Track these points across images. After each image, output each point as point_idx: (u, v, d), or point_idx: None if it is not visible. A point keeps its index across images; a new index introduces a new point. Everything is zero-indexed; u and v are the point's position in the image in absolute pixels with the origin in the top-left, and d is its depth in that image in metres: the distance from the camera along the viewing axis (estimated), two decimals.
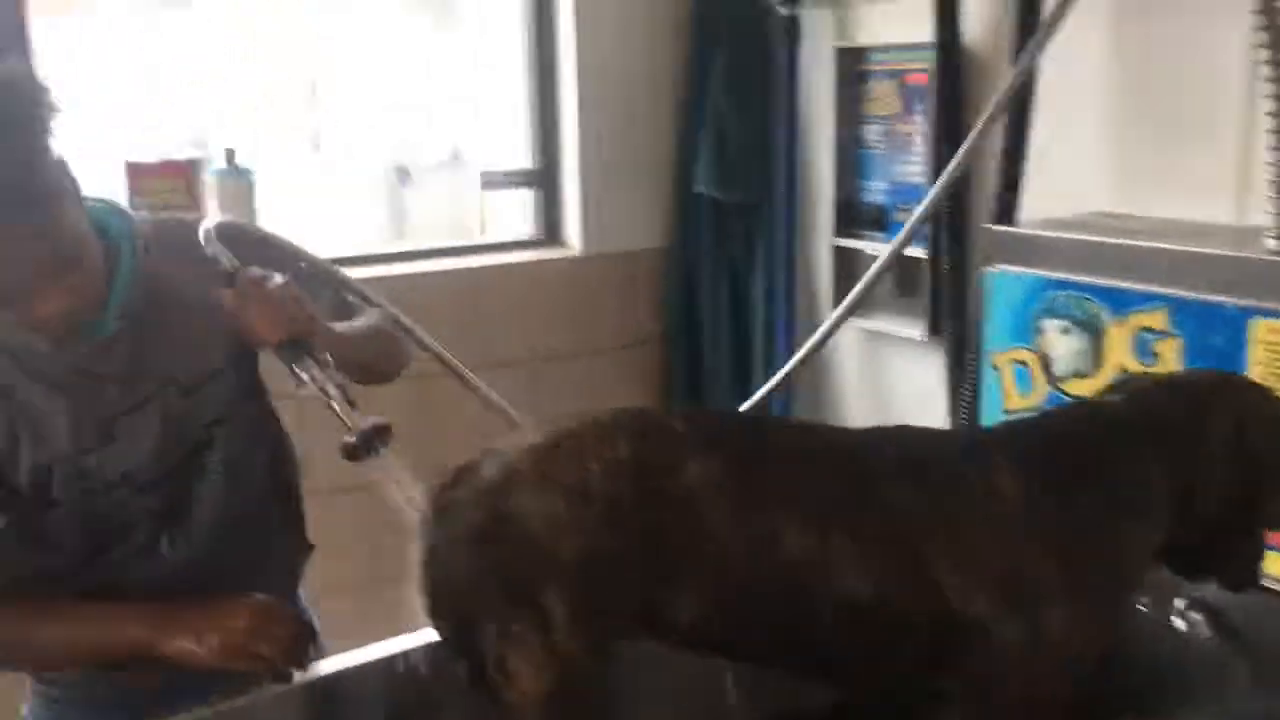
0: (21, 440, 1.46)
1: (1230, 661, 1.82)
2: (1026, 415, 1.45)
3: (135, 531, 1.55)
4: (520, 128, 3.16)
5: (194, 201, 2.57)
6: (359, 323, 1.73)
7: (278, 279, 1.51)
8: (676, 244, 3.14)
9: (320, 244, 2.41)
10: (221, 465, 1.61)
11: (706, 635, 1.33)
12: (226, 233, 1.58)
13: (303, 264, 1.71)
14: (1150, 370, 1.91)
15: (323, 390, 1.48)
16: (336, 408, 1.49)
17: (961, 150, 2.16)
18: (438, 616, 1.35)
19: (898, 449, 1.40)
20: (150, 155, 2.57)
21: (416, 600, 1.38)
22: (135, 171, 2.53)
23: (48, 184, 1.36)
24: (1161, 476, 1.38)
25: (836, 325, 2.42)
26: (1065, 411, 1.45)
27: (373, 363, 1.74)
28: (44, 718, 1.64)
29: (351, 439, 1.47)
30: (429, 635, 1.60)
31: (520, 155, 3.17)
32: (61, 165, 1.39)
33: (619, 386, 3.11)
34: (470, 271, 3.00)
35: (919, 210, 2.26)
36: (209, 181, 2.62)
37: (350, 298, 1.80)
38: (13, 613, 1.49)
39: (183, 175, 2.55)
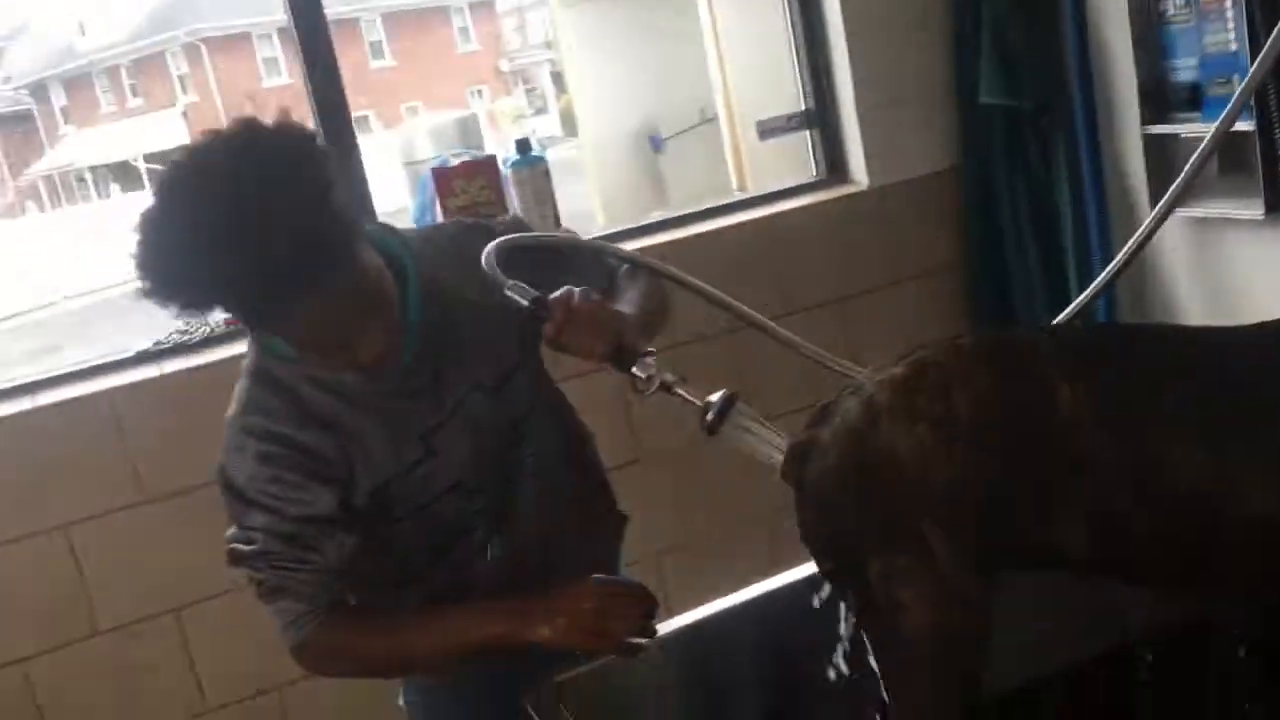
0: (356, 466, 1.52)
1: None
2: None
3: (473, 532, 1.63)
4: (786, 71, 3.13)
5: (499, 195, 2.71)
6: (632, 292, 1.70)
7: (577, 296, 1.50)
8: (970, 162, 3.02)
9: (584, 216, 2.49)
10: (534, 457, 1.67)
11: (1096, 565, 1.28)
12: (503, 255, 1.56)
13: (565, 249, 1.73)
14: None
15: (664, 385, 1.48)
16: (684, 394, 1.48)
17: None
18: (819, 554, 1.37)
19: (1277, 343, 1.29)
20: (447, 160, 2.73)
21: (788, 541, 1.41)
22: (442, 176, 2.69)
23: (344, 230, 1.38)
24: None
25: (1161, 220, 2.25)
26: None
27: (659, 324, 1.74)
28: (419, 702, 1.78)
29: (711, 415, 1.46)
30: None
31: (788, 100, 3.14)
32: (347, 207, 1.40)
33: (928, 316, 3.04)
34: (757, 222, 3.00)
35: (1246, 80, 2.07)
36: (506, 174, 2.75)
37: (617, 262, 1.77)
38: (384, 626, 1.60)
39: (484, 172, 2.68)
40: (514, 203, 2.73)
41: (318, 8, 2.49)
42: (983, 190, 3.01)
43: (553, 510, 1.69)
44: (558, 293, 1.51)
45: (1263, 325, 1.36)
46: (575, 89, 7.65)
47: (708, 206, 3.10)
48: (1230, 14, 2.39)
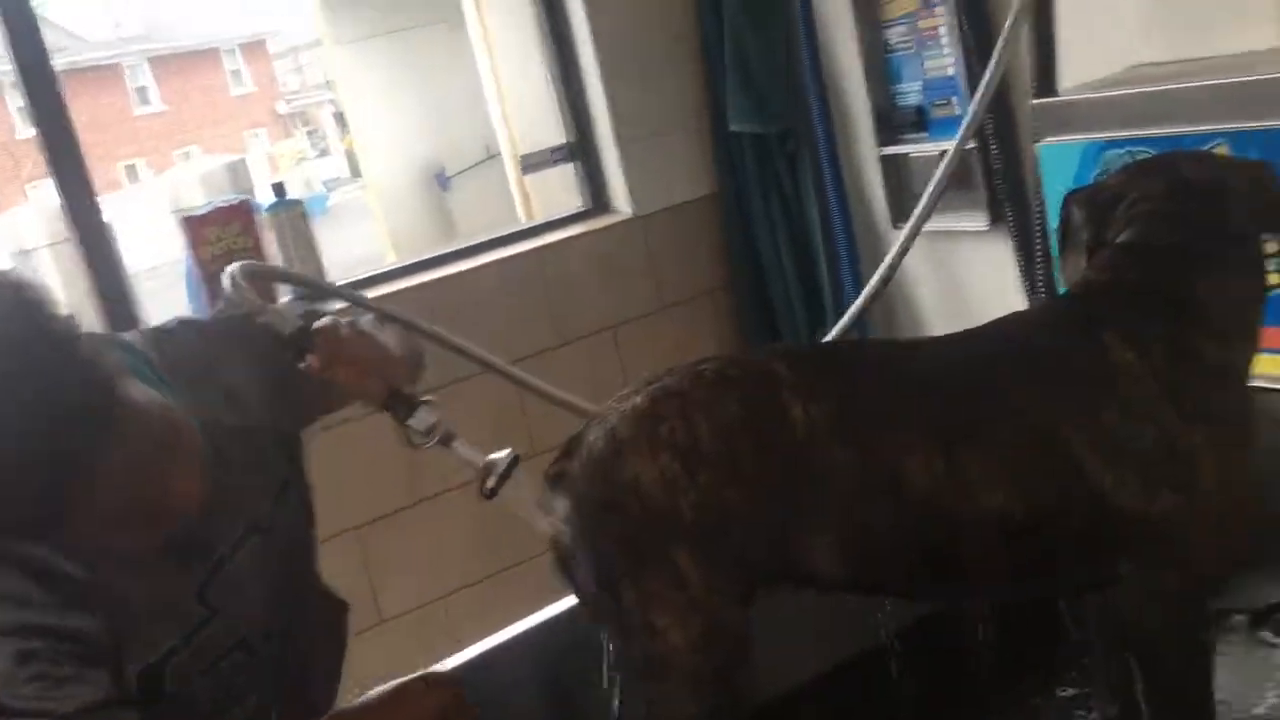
0: (126, 642, 1.25)
1: None
2: (1090, 275, 1.42)
3: (246, 699, 1.39)
4: (548, 105, 3.18)
5: (256, 241, 2.64)
6: (388, 338, 1.54)
7: (344, 327, 1.36)
8: (726, 188, 3.14)
9: (373, 258, 2.47)
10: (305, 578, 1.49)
11: (847, 578, 1.34)
12: (249, 275, 1.45)
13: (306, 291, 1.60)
14: None
15: (443, 440, 1.39)
16: (464, 452, 1.40)
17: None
18: (576, 586, 1.39)
19: (1004, 347, 1.38)
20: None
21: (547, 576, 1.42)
22: (191, 224, 2.60)
23: (104, 380, 1.13)
24: (1237, 286, 1.38)
25: (912, 238, 2.39)
26: (1123, 257, 1.41)
27: (419, 373, 1.59)
28: None
29: (492, 481, 1.39)
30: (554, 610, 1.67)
31: (553, 132, 3.19)
32: (97, 351, 1.16)
33: (696, 339, 3.13)
34: (524, 256, 3.03)
35: (973, 106, 2.24)
36: (262, 219, 2.68)
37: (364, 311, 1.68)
38: None
39: (238, 217, 2.61)
40: (273, 248, 2.67)
41: (43, 55, 2.37)
42: (740, 215, 3.12)
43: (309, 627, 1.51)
44: (323, 321, 1.36)
45: (971, 332, 1.46)
46: (357, 129, 7.53)
47: (479, 241, 3.10)
48: (946, 40, 2.57)
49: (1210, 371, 1.34)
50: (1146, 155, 1.91)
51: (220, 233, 2.57)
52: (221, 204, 2.65)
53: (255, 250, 2.63)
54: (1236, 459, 1.33)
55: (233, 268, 1.46)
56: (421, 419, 1.38)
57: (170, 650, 1.28)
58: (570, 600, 1.70)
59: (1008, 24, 2.11)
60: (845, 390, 1.32)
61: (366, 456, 2.65)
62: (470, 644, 1.80)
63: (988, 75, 2.20)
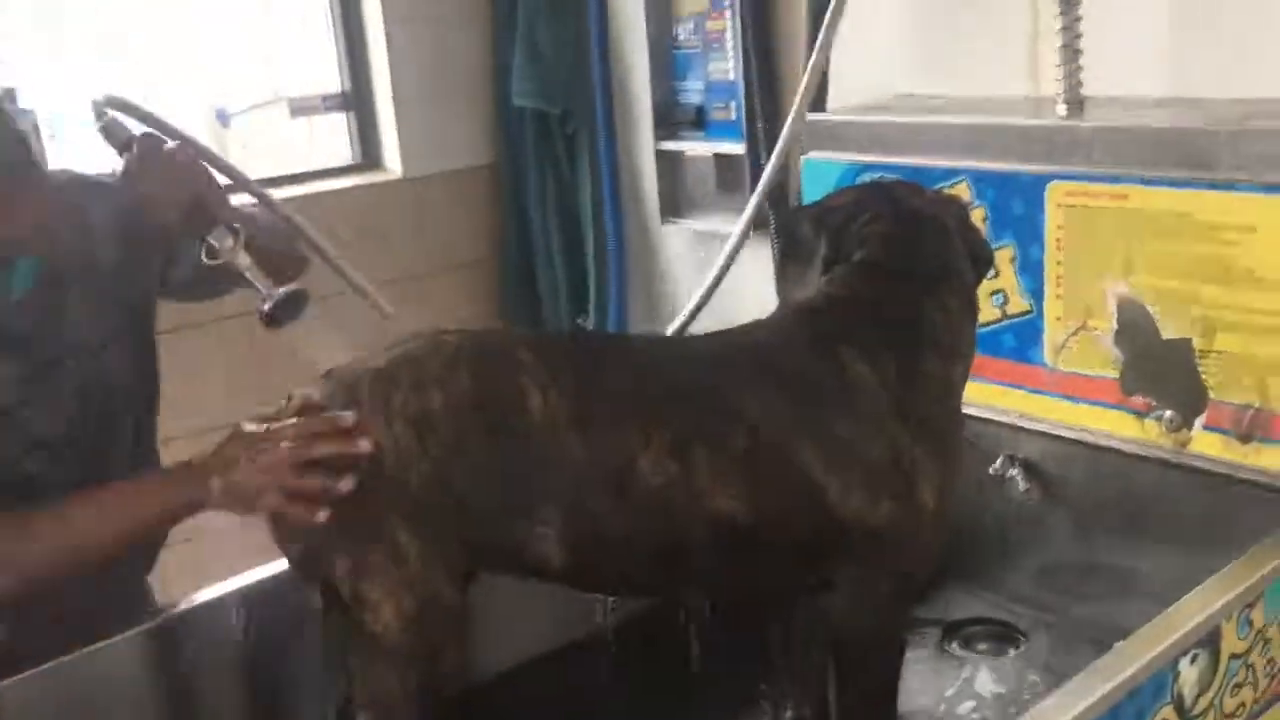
0: None
1: (1048, 513, 1.94)
2: (830, 290, 1.47)
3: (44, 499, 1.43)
4: (327, 50, 3.05)
5: None
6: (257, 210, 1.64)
7: (170, 143, 1.45)
8: (503, 160, 3.09)
9: None
10: (131, 428, 1.58)
11: (571, 569, 1.32)
12: (117, 104, 1.50)
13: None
14: None
15: (235, 258, 1.45)
16: (249, 275, 1.46)
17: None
18: (287, 545, 1.33)
19: (745, 353, 1.39)
20: None
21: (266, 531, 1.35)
22: None
23: None
24: (959, 307, 1.45)
25: (740, 242, 2.32)
26: (861, 276, 1.46)
27: (278, 254, 1.65)
28: None
29: (267, 306, 1.44)
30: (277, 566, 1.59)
31: (330, 79, 3.06)
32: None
33: (456, 309, 3.08)
34: (289, 202, 2.89)
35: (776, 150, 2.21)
36: None
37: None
38: (36, 524, 1.37)
39: None
40: None
41: None
42: (514, 190, 3.09)
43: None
44: (151, 133, 1.46)
45: (718, 334, 1.48)
46: (135, 55, 7.03)
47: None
48: (730, 44, 2.61)
49: (935, 388, 1.41)
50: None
51: None
52: None
53: None
54: (949, 472, 1.40)
55: (98, 96, 1.49)
56: (220, 235, 1.44)
57: None
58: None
59: (821, 33, 2.13)
60: (587, 382, 1.31)
61: None
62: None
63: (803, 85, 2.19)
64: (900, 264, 1.44)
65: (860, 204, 1.49)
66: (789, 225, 1.57)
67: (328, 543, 1.28)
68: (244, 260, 1.46)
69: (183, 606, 1.59)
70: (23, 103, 2.49)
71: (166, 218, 1.45)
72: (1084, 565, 1.92)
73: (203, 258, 1.46)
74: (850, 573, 1.38)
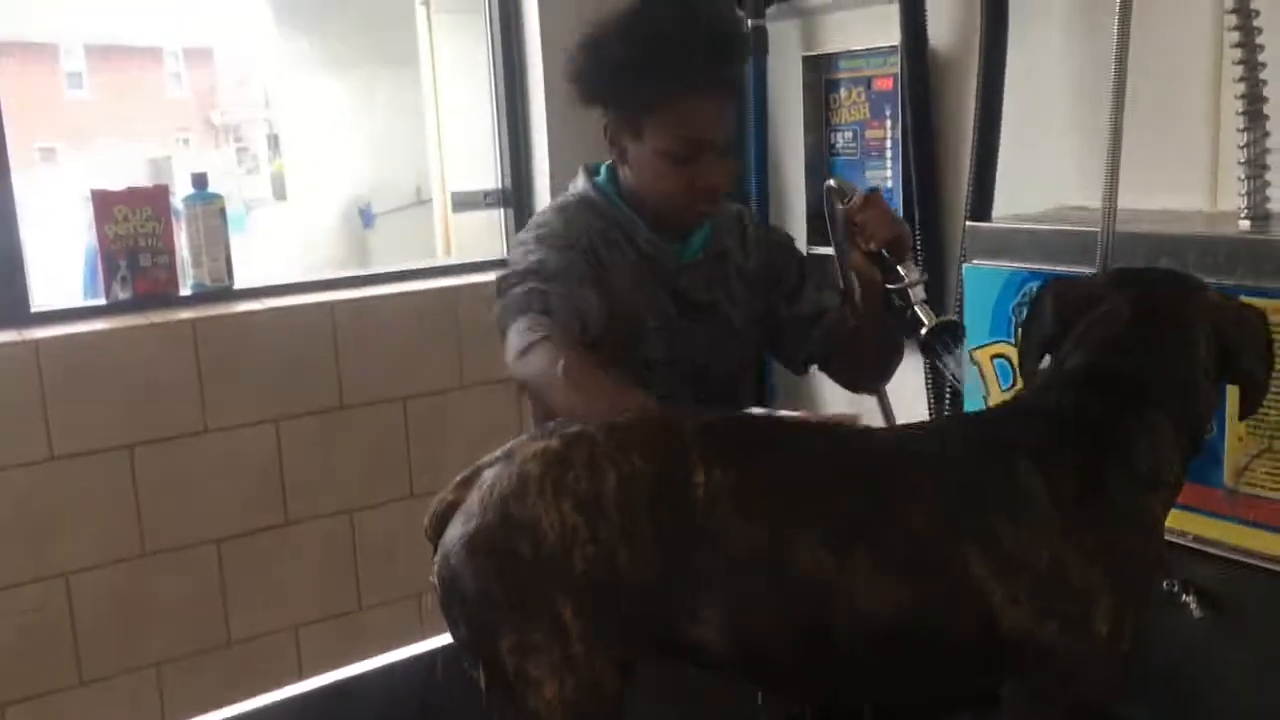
0: (624, 298, 1.77)
1: (1222, 642, 1.82)
2: (1027, 397, 1.43)
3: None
4: (488, 149, 3.15)
5: (167, 229, 2.54)
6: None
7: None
8: None
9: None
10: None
11: (730, 654, 1.30)
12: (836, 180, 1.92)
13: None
14: None
15: (911, 287, 1.73)
16: (917, 305, 1.73)
17: None
18: (453, 622, 1.33)
19: (917, 451, 1.36)
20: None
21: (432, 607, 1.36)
22: (102, 199, 2.50)
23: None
24: (1171, 430, 1.35)
25: None
26: (1059, 384, 1.41)
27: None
28: None
29: (924, 334, 1.73)
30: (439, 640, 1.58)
31: (489, 177, 3.16)
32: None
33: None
34: (439, 292, 2.96)
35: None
36: (179, 208, 2.59)
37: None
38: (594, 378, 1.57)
39: (152, 201, 2.52)
40: (182, 239, 2.58)
41: None
42: None
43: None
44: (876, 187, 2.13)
45: (897, 430, 1.45)
46: (288, 153, 7.41)
47: (396, 270, 3.02)
48: (889, 153, 2.62)
49: (1119, 511, 1.33)
50: None
51: (129, 212, 2.48)
52: (139, 186, 2.56)
53: (165, 239, 2.54)
54: (1131, 601, 1.32)
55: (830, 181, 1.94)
56: (909, 267, 1.74)
57: (644, 329, 1.81)
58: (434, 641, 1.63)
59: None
60: (752, 464, 1.30)
61: (240, 467, 2.57)
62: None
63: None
64: (1114, 370, 1.36)
65: (1105, 290, 1.42)
66: (1035, 304, 1.51)
67: (494, 619, 1.27)
68: (920, 292, 1.73)
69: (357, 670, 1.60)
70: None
71: (876, 239, 1.74)
72: (1261, 701, 1.80)
73: (885, 284, 1.76)
74: (1021, 691, 1.31)
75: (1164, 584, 1.88)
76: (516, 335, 1.62)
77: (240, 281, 2.67)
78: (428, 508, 1.38)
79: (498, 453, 1.35)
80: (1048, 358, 1.49)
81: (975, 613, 1.26)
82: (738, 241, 1.98)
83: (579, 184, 1.91)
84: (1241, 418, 1.47)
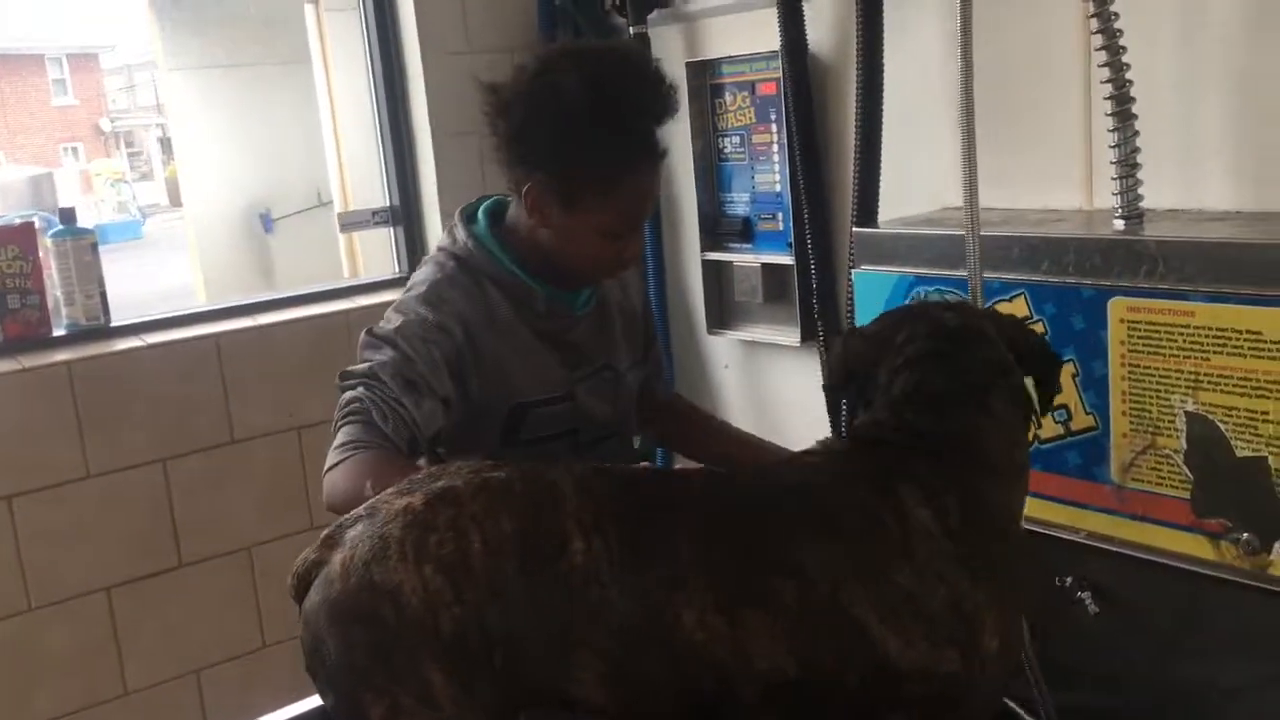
0: (487, 377, 1.68)
1: (1121, 638, 1.86)
2: (879, 417, 1.43)
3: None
4: (376, 166, 3.08)
5: (35, 268, 2.44)
6: None
7: None
8: None
9: (183, 292, 2.32)
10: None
11: (617, 714, 1.27)
12: None
13: None
14: None
15: None
16: None
17: None
18: (321, 689, 1.28)
19: (797, 495, 1.34)
20: None
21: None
22: None
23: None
24: (1014, 415, 1.42)
25: None
26: (906, 403, 1.42)
27: None
28: None
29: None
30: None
31: (379, 193, 3.09)
32: None
33: None
34: (338, 314, 2.90)
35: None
36: (48, 245, 2.49)
37: None
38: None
39: (17, 240, 2.41)
40: (53, 277, 2.48)
41: None
42: None
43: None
44: None
45: (770, 470, 1.42)
46: (183, 158, 7.18)
47: (289, 295, 2.93)
48: (776, 157, 2.62)
49: (996, 522, 1.35)
50: (954, 294, 1.97)
51: None
52: (2, 223, 2.45)
53: (34, 277, 2.43)
54: (1013, 615, 1.33)
55: None
56: None
57: (532, 403, 1.72)
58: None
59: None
60: (630, 528, 1.26)
61: (128, 511, 2.48)
62: None
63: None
64: (944, 386, 1.40)
65: (896, 326, 1.47)
66: (831, 358, 1.53)
67: (361, 686, 1.22)
68: None
69: None
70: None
71: None
72: (1160, 695, 1.84)
73: None
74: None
75: (1056, 580, 1.91)
76: (331, 452, 1.54)
77: (121, 317, 2.57)
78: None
79: (361, 509, 1.30)
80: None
81: (869, 661, 1.25)
82: (624, 283, 1.92)
83: (459, 237, 1.75)
84: (1041, 414, 1.53)
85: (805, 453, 1.44)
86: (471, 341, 1.67)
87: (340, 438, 1.54)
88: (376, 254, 3.27)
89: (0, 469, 2.33)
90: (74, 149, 25.29)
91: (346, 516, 1.30)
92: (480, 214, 1.80)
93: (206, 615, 2.58)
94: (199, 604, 2.58)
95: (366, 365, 1.61)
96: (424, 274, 1.74)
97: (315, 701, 1.60)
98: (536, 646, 1.22)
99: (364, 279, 3.14)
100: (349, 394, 1.59)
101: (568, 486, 1.28)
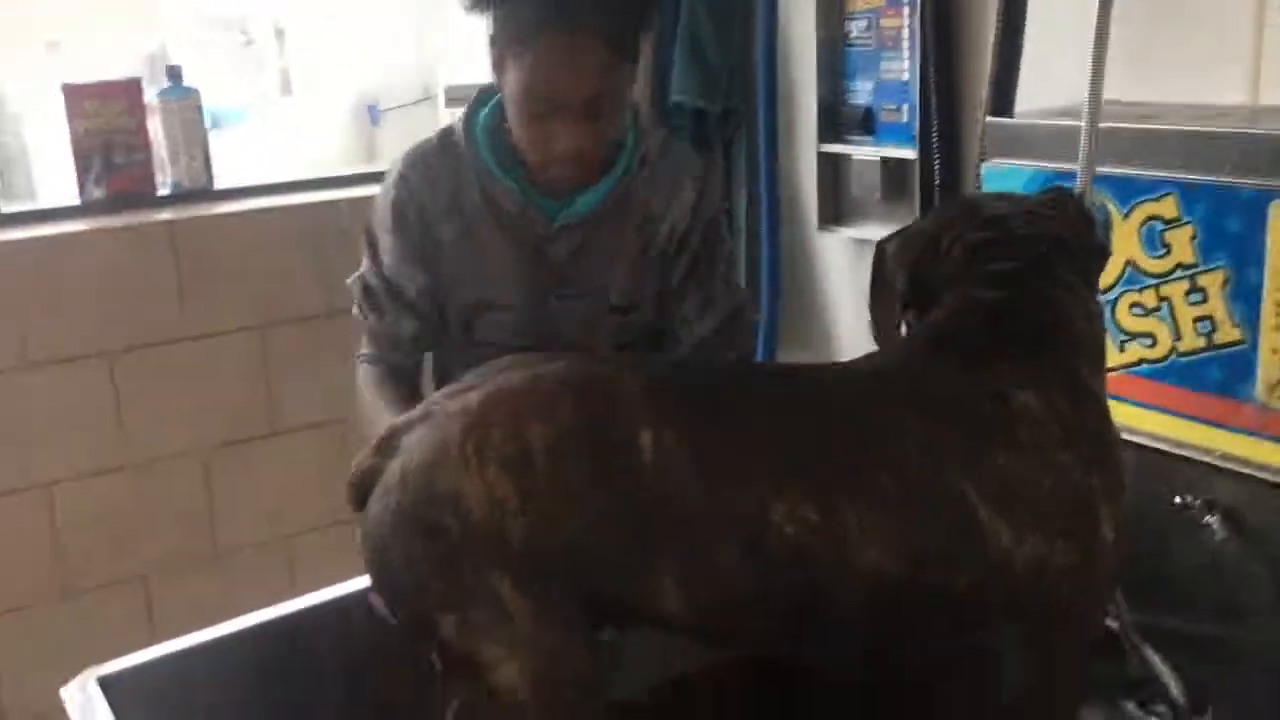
0: (463, 270, 1.65)
1: (1247, 566, 1.74)
2: (957, 308, 1.32)
3: None
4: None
5: (140, 125, 2.42)
6: None
7: None
8: None
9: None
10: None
11: (697, 626, 1.18)
12: None
13: None
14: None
15: None
16: None
17: None
18: (389, 605, 1.22)
19: (896, 385, 1.23)
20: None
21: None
22: (73, 94, 2.37)
23: (640, 28, 1.53)
24: (1085, 285, 1.35)
25: None
26: (982, 285, 1.31)
27: None
28: None
29: None
30: None
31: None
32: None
33: None
34: None
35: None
36: (152, 103, 2.46)
37: None
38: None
39: (124, 95, 2.39)
40: (158, 135, 2.45)
41: None
42: None
43: None
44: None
45: (854, 365, 1.31)
46: (294, 47, 7.17)
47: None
48: (906, 44, 2.46)
49: (1099, 402, 1.26)
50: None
51: (100, 107, 2.35)
52: (111, 80, 2.43)
53: (139, 133, 2.41)
54: (1119, 505, 1.23)
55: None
56: None
57: (485, 303, 1.67)
58: None
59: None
60: (706, 418, 1.15)
61: (223, 376, 2.48)
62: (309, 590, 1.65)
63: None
64: (1020, 264, 1.29)
65: (942, 222, 1.37)
66: (874, 264, 1.42)
67: (431, 601, 1.14)
68: None
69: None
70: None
71: None
72: None
73: None
74: (1022, 634, 1.23)
75: (1177, 500, 1.79)
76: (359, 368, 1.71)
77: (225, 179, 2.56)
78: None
79: (416, 411, 1.21)
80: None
81: (979, 553, 1.15)
82: (678, 203, 1.69)
83: (458, 116, 1.68)
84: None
85: (897, 344, 1.34)
86: (426, 230, 1.66)
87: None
88: None
89: (101, 325, 2.34)
90: (188, 34, 25.66)
91: (401, 420, 1.23)
92: (495, 99, 1.64)
93: (302, 483, 2.59)
94: (293, 472, 2.58)
95: (361, 271, 1.71)
96: (401, 158, 1.70)
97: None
98: (610, 551, 1.13)
99: None
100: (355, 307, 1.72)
101: (628, 377, 1.18)
